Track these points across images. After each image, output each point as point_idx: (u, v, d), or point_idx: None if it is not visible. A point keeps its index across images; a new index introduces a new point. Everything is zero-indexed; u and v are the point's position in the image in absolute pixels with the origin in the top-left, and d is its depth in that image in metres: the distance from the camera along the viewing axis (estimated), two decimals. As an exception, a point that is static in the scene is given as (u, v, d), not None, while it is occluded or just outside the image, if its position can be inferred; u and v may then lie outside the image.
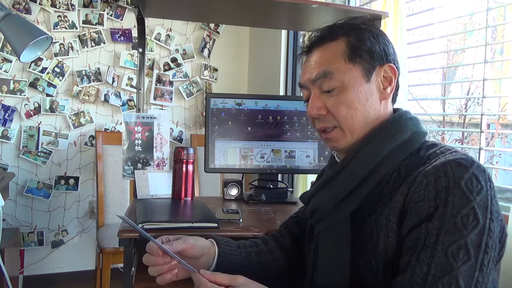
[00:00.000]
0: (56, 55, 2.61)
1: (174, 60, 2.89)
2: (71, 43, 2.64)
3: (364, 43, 0.77)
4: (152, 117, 1.48)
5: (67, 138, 2.66)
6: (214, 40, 3.02)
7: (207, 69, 2.99)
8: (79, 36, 2.67)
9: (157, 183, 1.41)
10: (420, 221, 0.64)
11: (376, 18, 1.54)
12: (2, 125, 2.52)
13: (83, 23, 2.66)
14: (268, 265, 0.91)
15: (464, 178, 0.62)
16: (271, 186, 1.53)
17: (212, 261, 0.85)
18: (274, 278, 0.92)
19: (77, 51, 2.66)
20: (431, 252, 0.61)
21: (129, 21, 2.77)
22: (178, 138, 2.94)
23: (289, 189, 1.59)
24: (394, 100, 0.82)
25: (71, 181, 2.70)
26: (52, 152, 2.64)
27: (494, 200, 0.64)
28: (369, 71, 0.76)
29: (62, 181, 2.68)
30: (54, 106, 2.62)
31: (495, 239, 0.62)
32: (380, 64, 0.77)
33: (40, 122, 2.61)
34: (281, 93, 2.54)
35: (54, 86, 2.61)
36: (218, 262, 0.85)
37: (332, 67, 0.76)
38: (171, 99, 2.89)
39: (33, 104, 2.59)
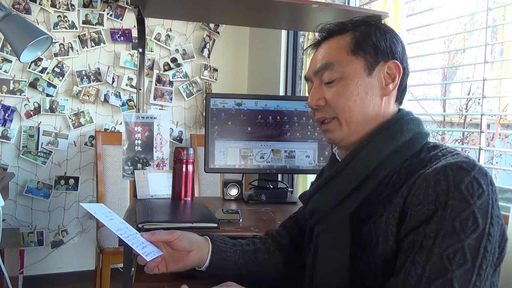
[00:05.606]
0: (56, 55, 2.61)
1: (174, 60, 2.89)
2: (71, 43, 2.64)
3: (369, 37, 0.77)
4: (152, 117, 1.47)
5: (67, 138, 2.66)
6: (214, 40, 3.01)
7: (207, 69, 2.99)
8: (79, 36, 2.66)
9: (157, 183, 1.41)
10: (419, 224, 0.63)
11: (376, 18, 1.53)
12: (2, 125, 2.52)
13: (83, 23, 2.66)
14: (265, 264, 0.91)
15: (464, 182, 0.62)
16: (271, 186, 1.53)
17: (206, 258, 0.85)
18: (272, 277, 0.92)
19: (77, 51, 2.66)
20: (426, 255, 0.60)
21: (129, 21, 2.77)
22: (178, 138, 2.94)
23: (289, 189, 1.58)
24: (400, 101, 0.81)
25: (71, 181, 2.69)
26: (52, 152, 2.63)
27: (495, 204, 0.63)
28: (372, 65, 0.76)
29: (62, 181, 2.68)
30: (54, 106, 2.62)
31: (495, 243, 0.62)
32: (384, 60, 0.77)
33: (40, 122, 2.61)
34: (281, 93, 2.53)
35: (54, 86, 2.61)
36: (211, 259, 0.86)
37: (334, 59, 0.77)
38: (171, 99, 2.89)
39: (33, 104, 2.59)
